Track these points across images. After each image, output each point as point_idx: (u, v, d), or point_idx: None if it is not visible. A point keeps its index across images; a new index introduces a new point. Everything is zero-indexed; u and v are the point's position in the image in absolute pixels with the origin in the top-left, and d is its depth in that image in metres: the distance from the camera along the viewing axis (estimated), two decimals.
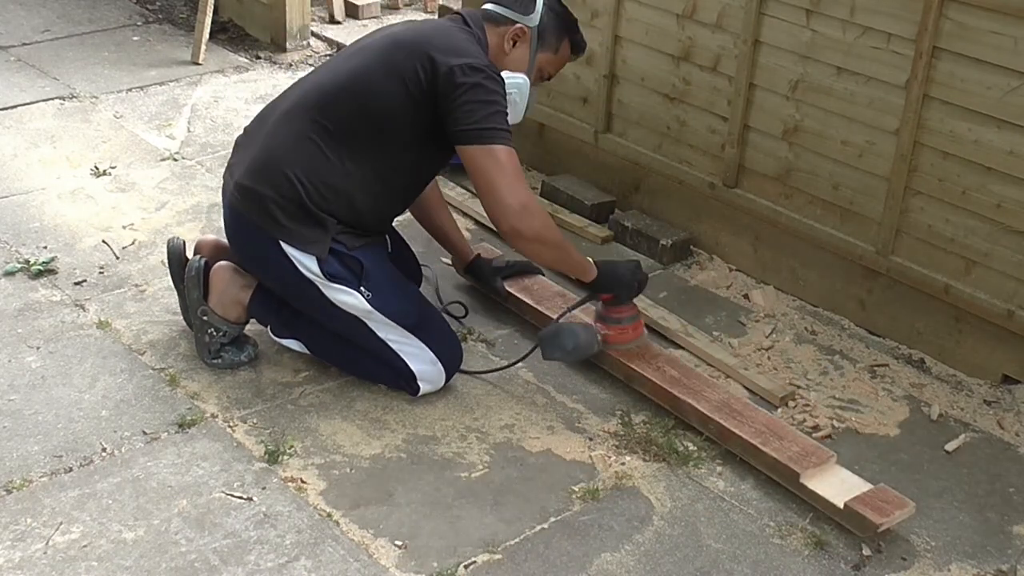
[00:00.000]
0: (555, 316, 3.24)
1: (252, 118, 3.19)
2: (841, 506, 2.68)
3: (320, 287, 2.98)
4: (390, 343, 3.04)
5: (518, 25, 3.08)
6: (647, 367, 3.14)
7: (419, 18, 6.19)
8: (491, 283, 3.49)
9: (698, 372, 3.18)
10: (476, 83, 2.88)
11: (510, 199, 2.88)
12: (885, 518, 2.63)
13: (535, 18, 3.09)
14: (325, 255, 2.95)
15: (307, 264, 2.96)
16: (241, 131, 3.20)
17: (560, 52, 3.20)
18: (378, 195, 3.04)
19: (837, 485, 2.75)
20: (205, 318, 3.14)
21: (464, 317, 3.44)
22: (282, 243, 2.95)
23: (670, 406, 3.06)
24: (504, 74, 2.99)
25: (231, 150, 3.20)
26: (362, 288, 2.99)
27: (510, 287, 3.48)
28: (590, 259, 3.15)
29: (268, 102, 3.20)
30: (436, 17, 6.22)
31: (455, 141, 2.92)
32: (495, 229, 3.07)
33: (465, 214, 4.02)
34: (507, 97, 2.97)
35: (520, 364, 3.24)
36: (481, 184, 2.92)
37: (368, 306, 3.00)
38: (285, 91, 3.17)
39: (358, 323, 3.03)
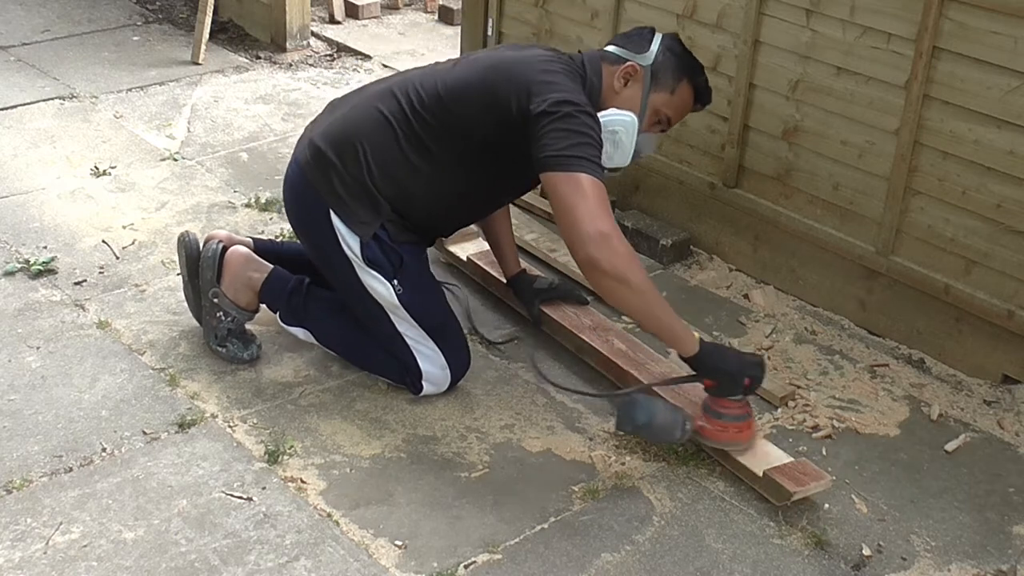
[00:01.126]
0: (641, 378, 3.04)
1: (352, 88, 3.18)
2: (760, 475, 2.77)
3: (356, 267, 3.00)
4: (407, 338, 3.05)
5: (629, 63, 3.00)
6: (596, 339, 3.22)
7: (420, 19, 6.20)
8: (528, 302, 3.37)
9: (645, 347, 3.22)
10: (567, 114, 2.78)
11: (588, 226, 2.68)
12: (800, 487, 2.72)
13: (648, 57, 3.01)
14: (369, 238, 2.96)
15: (350, 242, 2.98)
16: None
17: (677, 94, 3.04)
18: (438, 204, 3.04)
19: (761, 457, 2.83)
20: (216, 300, 3.15)
21: (508, 343, 3.35)
22: (332, 214, 2.97)
23: (615, 377, 3.14)
24: (611, 111, 2.93)
25: (308, 123, 3.19)
26: (395, 281, 3.00)
27: (546, 309, 3.34)
28: (697, 333, 2.84)
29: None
30: (436, 17, 6.22)
31: (539, 169, 2.79)
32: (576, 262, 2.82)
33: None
34: (612, 135, 2.90)
35: (521, 364, 3.25)
36: (560, 210, 2.75)
37: (396, 300, 3.01)
38: (388, 76, 3.17)
39: (381, 312, 3.04)
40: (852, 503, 2.81)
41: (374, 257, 2.99)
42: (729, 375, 2.80)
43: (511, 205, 3.51)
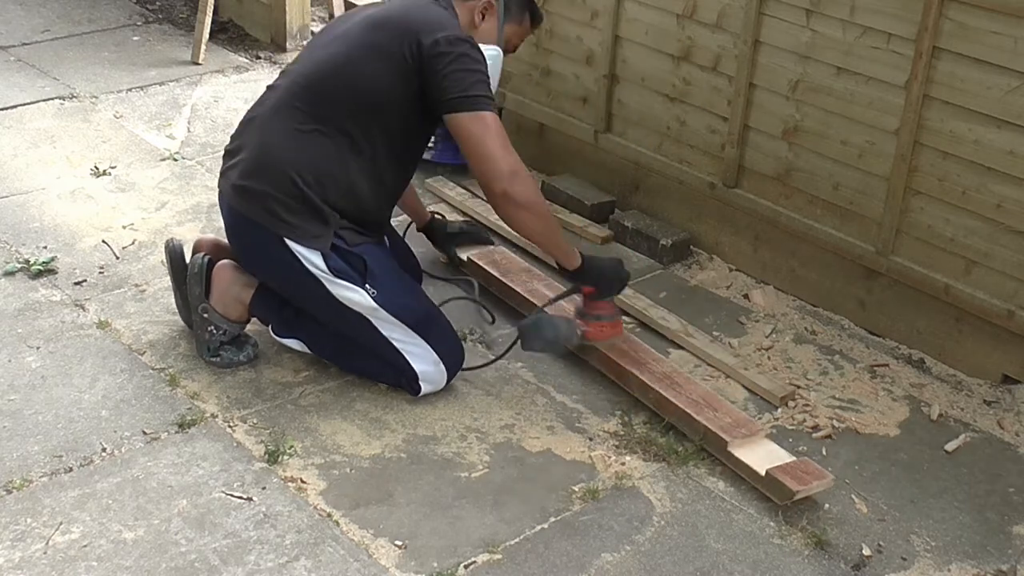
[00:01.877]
0: (533, 301, 3.32)
1: (237, 125, 3.19)
2: (763, 473, 2.78)
3: (325, 284, 2.98)
4: (394, 342, 3.04)
5: None
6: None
7: None
8: (446, 247, 3.65)
9: (646, 346, 3.24)
10: (461, 53, 2.92)
11: (502, 163, 2.90)
12: (802, 486, 2.74)
13: None
14: (328, 249, 2.96)
15: (313, 260, 2.96)
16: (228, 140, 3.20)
17: (524, 23, 3.29)
18: (376, 180, 3.05)
19: (763, 456, 2.86)
20: (206, 315, 3.14)
21: (492, 323, 3.46)
22: (286, 240, 2.96)
23: (615, 376, 3.16)
24: (482, 47, 3.03)
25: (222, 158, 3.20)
26: (367, 285, 3.00)
27: (475, 258, 3.57)
28: (577, 250, 3.14)
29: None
30: None
31: (443, 111, 2.93)
32: (485, 197, 3.09)
33: (464, 214, 4.02)
34: None
35: (521, 364, 3.25)
36: (472, 149, 2.93)
37: (373, 303, 3.00)
38: (266, 92, 3.16)
39: (363, 321, 3.03)
40: (852, 503, 2.81)
41: (339, 267, 2.98)
42: (608, 281, 3.18)
43: None
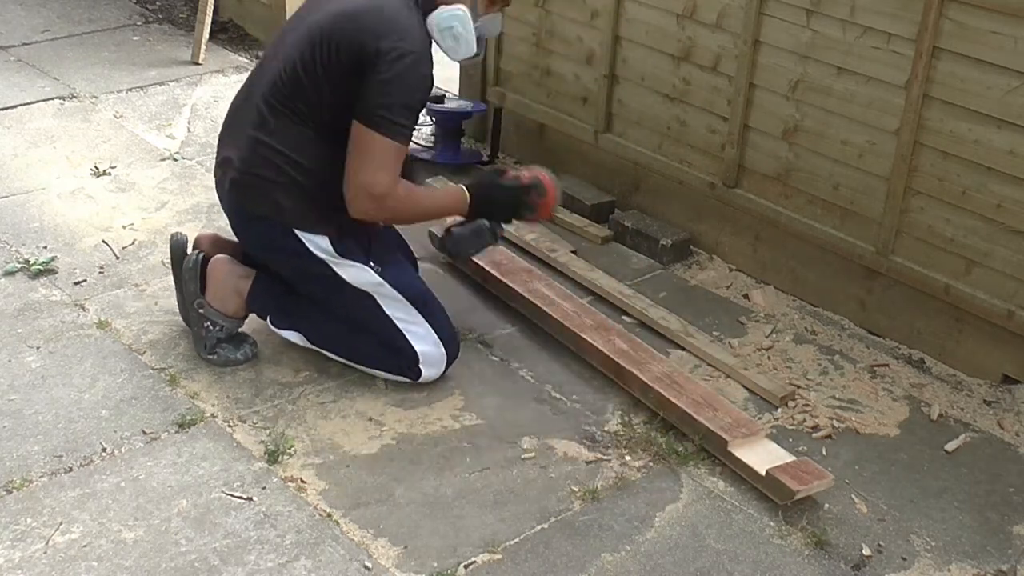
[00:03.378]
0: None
1: (220, 129, 3.20)
2: (763, 473, 2.78)
3: (332, 265, 3.03)
4: (397, 321, 3.07)
5: None
6: (598, 339, 3.24)
7: None
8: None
9: (646, 345, 3.25)
10: (397, 74, 2.86)
11: (361, 177, 2.89)
12: (803, 486, 2.74)
13: None
14: (327, 232, 3.00)
15: (319, 243, 3.00)
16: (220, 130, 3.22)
17: None
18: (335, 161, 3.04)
19: (763, 455, 2.86)
20: (201, 311, 3.15)
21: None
22: (294, 229, 3.00)
23: (615, 375, 3.17)
24: (440, 9, 2.98)
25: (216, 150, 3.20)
26: (371, 262, 3.05)
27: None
28: (462, 187, 3.14)
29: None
30: None
31: (355, 113, 2.89)
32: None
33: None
34: (450, 31, 2.97)
35: (520, 364, 3.25)
36: (350, 160, 2.91)
37: (378, 278, 3.05)
38: (248, 80, 3.17)
39: (367, 299, 3.06)
40: (852, 503, 2.81)
41: (346, 247, 3.03)
42: (501, 206, 3.16)
43: None
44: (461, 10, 3.01)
